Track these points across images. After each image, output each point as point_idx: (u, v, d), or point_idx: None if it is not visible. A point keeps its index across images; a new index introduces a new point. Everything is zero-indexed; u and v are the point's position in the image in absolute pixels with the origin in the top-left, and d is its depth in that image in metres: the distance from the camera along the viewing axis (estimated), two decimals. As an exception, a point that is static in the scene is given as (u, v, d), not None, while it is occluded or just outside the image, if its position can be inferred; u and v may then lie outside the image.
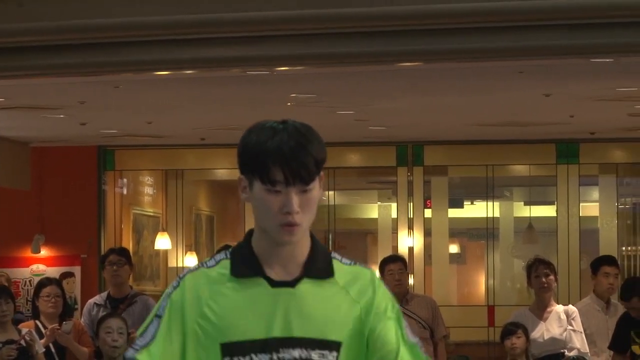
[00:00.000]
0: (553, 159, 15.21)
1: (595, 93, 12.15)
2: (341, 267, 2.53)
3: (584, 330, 10.06)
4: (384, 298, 2.52)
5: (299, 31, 9.57)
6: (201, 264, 2.55)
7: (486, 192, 16.75)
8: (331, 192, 16.46)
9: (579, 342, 10.14)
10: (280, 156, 2.42)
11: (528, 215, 17.31)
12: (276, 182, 2.42)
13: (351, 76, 11.51)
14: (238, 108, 12.97)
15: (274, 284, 2.41)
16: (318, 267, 2.45)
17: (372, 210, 18.59)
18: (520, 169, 16.70)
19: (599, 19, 9.23)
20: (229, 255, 2.52)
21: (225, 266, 2.47)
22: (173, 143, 15.76)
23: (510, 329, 9.61)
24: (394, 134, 14.69)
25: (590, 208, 16.51)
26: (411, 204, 15.54)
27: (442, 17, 9.23)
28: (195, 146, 15.79)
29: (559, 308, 10.44)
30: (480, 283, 18.98)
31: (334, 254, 2.53)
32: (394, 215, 16.18)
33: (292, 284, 2.44)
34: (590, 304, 10.56)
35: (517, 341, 9.53)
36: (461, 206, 17.76)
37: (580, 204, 15.76)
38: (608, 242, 15.61)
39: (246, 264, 2.46)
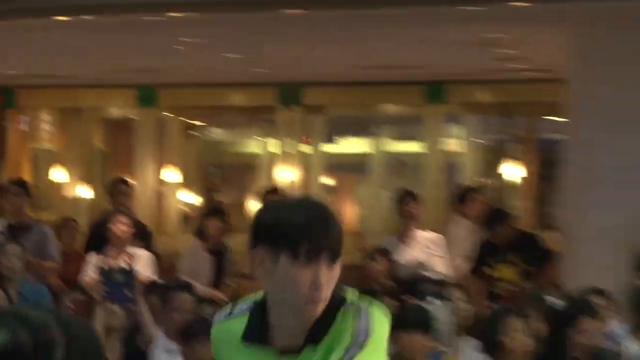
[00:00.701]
0: (422, 100, 16.17)
1: (461, 38, 12.58)
2: (338, 325, 2.57)
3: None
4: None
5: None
6: (230, 311, 2.72)
7: (360, 130, 17.97)
8: (218, 130, 17.79)
9: (442, 266, 10.90)
10: (315, 231, 2.51)
11: (398, 151, 18.20)
12: (310, 257, 2.49)
13: (239, 22, 11.82)
14: (131, 52, 13.41)
15: (281, 354, 2.55)
16: (318, 333, 2.52)
17: (255, 146, 19.11)
18: (392, 109, 17.62)
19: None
20: (250, 310, 2.65)
21: (244, 321, 2.61)
22: (71, 83, 16.02)
23: (374, 254, 10.39)
24: (277, 76, 15.36)
25: (454, 144, 17.46)
26: (290, 140, 16.55)
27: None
28: (92, 86, 16.06)
29: (423, 235, 11.25)
30: (353, 212, 19.90)
31: (346, 305, 2.59)
32: (275, 150, 17.04)
33: (296, 351, 2.55)
34: (469, 225, 11.60)
35: (380, 265, 10.34)
36: (336, 142, 18.48)
37: (445, 141, 16.83)
38: (470, 175, 16.66)
39: (258, 332, 2.58)
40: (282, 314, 2.60)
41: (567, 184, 12.39)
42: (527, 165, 17.58)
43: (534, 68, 14.71)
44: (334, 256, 2.52)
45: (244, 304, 2.70)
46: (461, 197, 12.73)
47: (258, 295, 2.72)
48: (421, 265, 11.14)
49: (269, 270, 2.60)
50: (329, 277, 2.51)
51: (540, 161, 17.59)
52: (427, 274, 10.70)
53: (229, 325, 2.69)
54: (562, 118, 13.40)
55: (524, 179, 17.66)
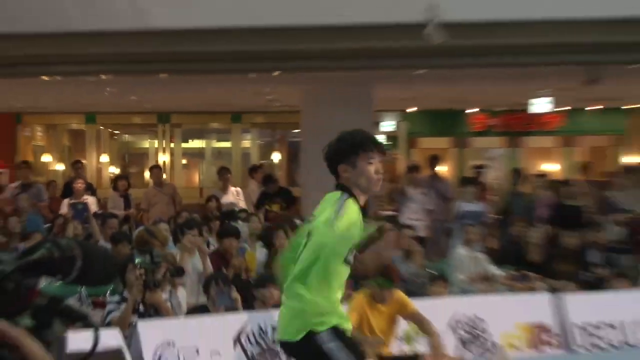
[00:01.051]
0: (230, 121, 24.82)
1: (248, 90, 17.85)
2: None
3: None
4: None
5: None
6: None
7: (200, 136, 26.85)
8: (128, 135, 26.51)
9: (243, 204, 14.84)
10: (375, 142, 4.77)
11: (219, 146, 26.62)
12: (374, 157, 4.74)
13: (138, 81, 16.29)
14: (81, 96, 19.26)
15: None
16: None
17: (147, 144, 26.84)
18: (215, 125, 26.89)
19: None
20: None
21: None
22: (52, 111, 23.25)
23: (209, 198, 14.28)
24: (157, 108, 23.16)
25: (247, 143, 25.48)
26: (165, 141, 24.52)
27: None
28: (62, 113, 23.75)
29: (233, 189, 15.46)
30: (197, 178, 27.20)
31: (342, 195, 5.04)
32: (157, 146, 25.42)
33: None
34: (256, 184, 16.20)
35: (211, 205, 14.09)
36: (188, 142, 27.18)
37: (243, 142, 25.06)
38: (255, 159, 21.90)
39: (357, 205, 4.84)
40: (362, 194, 4.89)
41: (303, 163, 17.29)
42: (283, 154, 25.26)
43: (286, 104, 20.35)
44: (384, 155, 4.83)
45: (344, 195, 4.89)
46: (252, 170, 17.58)
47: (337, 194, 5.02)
48: (233, 204, 14.99)
49: (350, 173, 4.89)
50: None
51: (290, 152, 25.02)
52: (236, 208, 14.73)
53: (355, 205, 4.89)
54: (300, 129, 18.20)
55: (281, 160, 25.31)
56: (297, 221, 11.66)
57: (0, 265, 2.08)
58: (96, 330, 2.24)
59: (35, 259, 2.08)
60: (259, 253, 11.45)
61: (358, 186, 4.94)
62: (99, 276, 2.21)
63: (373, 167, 4.91)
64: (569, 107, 23.43)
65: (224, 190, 15.27)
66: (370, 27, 12.32)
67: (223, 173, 15.68)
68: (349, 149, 4.95)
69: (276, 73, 14.57)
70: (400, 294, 8.89)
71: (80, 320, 2.16)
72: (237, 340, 9.22)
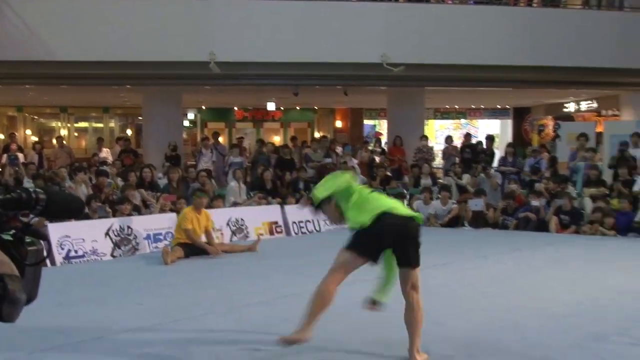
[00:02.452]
0: (101, 112, 24.98)
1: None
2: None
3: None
4: None
5: None
6: None
7: (91, 120, 25.92)
8: None
9: (111, 158, 15.95)
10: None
11: (93, 127, 26.20)
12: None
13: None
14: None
15: None
16: None
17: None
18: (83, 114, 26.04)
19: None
20: None
21: None
22: (38, 112, 23.98)
23: (92, 155, 15.69)
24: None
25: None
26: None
27: None
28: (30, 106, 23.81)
29: (105, 149, 16.81)
30: (83, 141, 25.58)
31: None
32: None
33: None
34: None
35: (94, 159, 15.19)
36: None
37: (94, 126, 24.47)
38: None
39: None
40: None
41: (144, 136, 17.79)
42: (133, 130, 24.30)
43: (135, 103, 19.69)
44: None
45: None
46: (118, 139, 17.96)
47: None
48: (105, 158, 15.72)
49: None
50: None
51: (137, 129, 23.83)
52: (107, 161, 15.37)
53: None
54: (142, 117, 18.49)
55: (132, 134, 24.20)
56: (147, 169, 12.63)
57: None
58: (49, 243, 2.66)
59: (11, 198, 1.93)
60: (120, 183, 12.52)
61: None
62: (59, 211, 2.03)
63: None
64: (283, 107, 24.99)
65: (100, 150, 16.83)
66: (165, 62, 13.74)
67: (99, 141, 17.75)
68: None
69: (128, 86, 16.60)
70: (207, 213, 9.77)
71: (42, 238, 1.98)
72: (107, 233, 9.71)
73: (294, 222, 12.31)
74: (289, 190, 13.90)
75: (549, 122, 21.97)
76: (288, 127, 26.82)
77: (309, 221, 12.36)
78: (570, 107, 22.26)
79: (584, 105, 21.63)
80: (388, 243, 4.40)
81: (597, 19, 15.91)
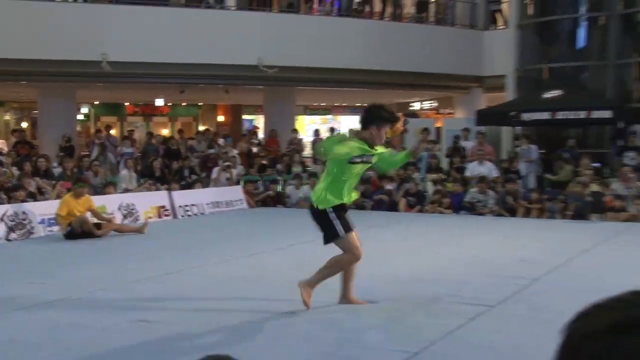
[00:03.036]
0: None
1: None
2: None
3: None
4: None
5: None
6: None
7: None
8: None
9: (6, 148, 15.35)
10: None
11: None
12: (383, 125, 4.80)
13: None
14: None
15: None
16: None
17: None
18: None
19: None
20: None
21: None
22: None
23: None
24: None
25: None
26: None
27: None
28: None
29: (1, 140, 16.68)
30: None
31: None
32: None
33: None
34: None
35: None
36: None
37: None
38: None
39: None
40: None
41: (39, 127, 17.13)
42: (29, 123, 22.56)
43: (31, 98, 18.59)
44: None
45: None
46: (14, 131, 17.01)
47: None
48: (1, 149, 15.52)
49: (374, 133, 4.78)
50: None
51: (32, 122, 22.17)
52: (3, 150, 14.82)
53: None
54: (38, 110, 18.07)
55: (28, 126, 22.41)
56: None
57: None
58: None
59: None
60: (15, 172, 11.98)
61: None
62: None
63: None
64: (171, 103, 24.41)
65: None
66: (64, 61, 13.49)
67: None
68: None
69: (23, 82, 15.78)
70: (88, 197, 9.65)
71: None
72: (2, 218, 9.49)
73: (180, 206, 12.17)
74: (175, 177, 13.76)
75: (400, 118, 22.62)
76: (175, 121, 26.51)
77: (194, 205, 12.30)
78: (416, 105, 23.10)
79: (426, 105, 22.51)
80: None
81: (435, 32, 16.94)
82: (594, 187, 11.22)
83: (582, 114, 12.59)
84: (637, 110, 13.53)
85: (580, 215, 10.85)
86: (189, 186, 13.23)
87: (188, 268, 6.98)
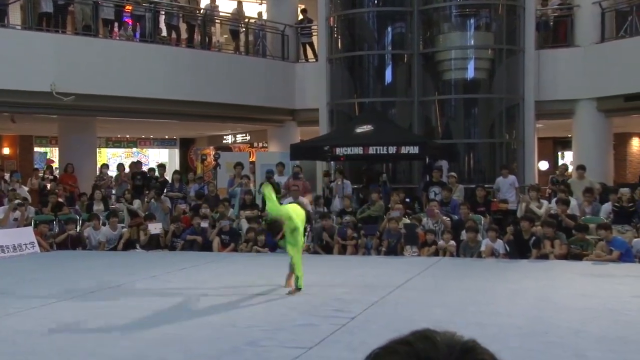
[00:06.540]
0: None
1: None
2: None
3: None
4: None
5: None
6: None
7: None
8: None
9: None
10: None
11: None
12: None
13: None
14: None
15: None
16: None
17: None
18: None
19: None
20: None
21: None
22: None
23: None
24: None
25: None
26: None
27: None
28: None
29: None
30: None
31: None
32: None
33: None
34: None
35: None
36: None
37: None
38: None
39: None
40: None
41: None
42: None
43: None
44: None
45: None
46: None
47: None
48: None
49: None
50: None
51: None
52: None
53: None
54: None
55: None
56: None
57: None
58: None
59: None
60: None
61: None
62: None
63: None
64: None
65: None
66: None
67: None
68: None
69: None
70: None
71: None
72: None
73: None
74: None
75: (211, 152, 22.80)
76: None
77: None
78: (229, 139, 23.40)
79: (239, 138, 22.87)
80: None
81: (246, 63, 17.24)
82: (406, 221, 11.91)
83: (392, 149, 13.37)
84: (441, 146, 14.67)
85: (393, 251, 11.46)
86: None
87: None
